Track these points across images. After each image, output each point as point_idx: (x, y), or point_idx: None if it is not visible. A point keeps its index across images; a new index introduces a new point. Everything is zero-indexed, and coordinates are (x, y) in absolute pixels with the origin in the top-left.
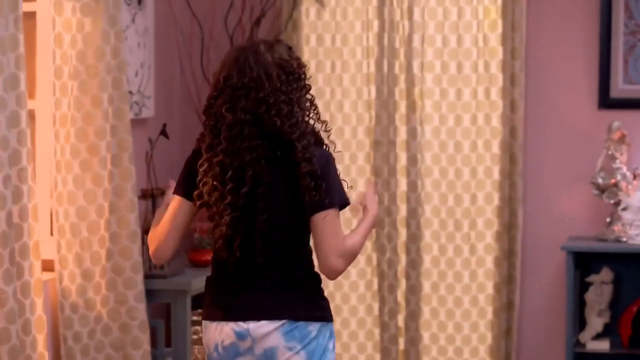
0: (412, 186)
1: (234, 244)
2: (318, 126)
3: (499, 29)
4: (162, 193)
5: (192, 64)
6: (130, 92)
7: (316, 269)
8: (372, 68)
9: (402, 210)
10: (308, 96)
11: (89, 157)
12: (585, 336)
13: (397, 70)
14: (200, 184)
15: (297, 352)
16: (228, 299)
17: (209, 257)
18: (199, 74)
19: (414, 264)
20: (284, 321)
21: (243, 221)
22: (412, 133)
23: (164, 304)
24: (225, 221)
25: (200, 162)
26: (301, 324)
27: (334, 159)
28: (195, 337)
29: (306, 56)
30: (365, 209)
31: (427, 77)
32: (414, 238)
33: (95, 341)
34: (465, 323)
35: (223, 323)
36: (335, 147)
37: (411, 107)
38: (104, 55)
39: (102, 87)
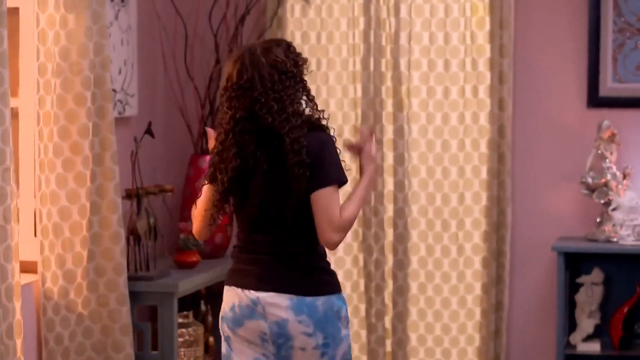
0: (399, 186)
1: (250, 222)
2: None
3: (487, 27)
4: (147, 193)
5: (175, 61)
6: (114, 90)
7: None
8: (358, 66)
9: (389, 210)
10: (305, 92)
11: (71, 156)
12: (576, 337)
13: (383, 68)
14: (217, 172)
15: (307, 325)
16: (245, 269)
17: (194, 258)
18: (182, 71)
19: (401, 265)
20: (290, 296)
21: (247, 204)
22: (398, 132)
23: (151, 307)
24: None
25: (216, 151)
26: (307, 299)
27: (332, 141)
28: (181, 339)
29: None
30: (362, 157)
31: (414, 75)
32: (401, 238)
33: (76, 344)
34: (453, 324)
35: (239, 290)
36: (335, 140)
37: (398, 105)
38: (87, 52)
39: (86, 85)
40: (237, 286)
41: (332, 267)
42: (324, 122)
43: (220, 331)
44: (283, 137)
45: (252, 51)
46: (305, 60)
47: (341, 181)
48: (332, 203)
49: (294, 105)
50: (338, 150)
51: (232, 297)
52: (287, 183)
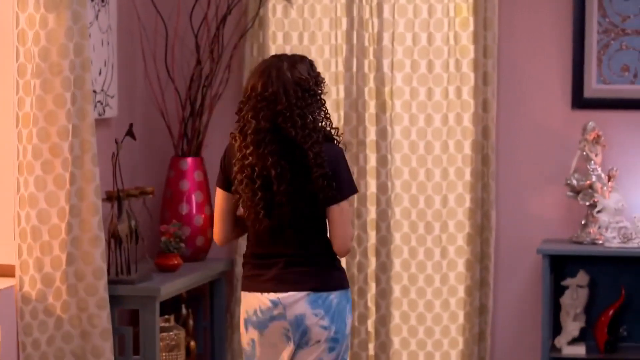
0: (382, 188)
1: (265, 230)
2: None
3: (471, 27)
4: (128, 195)
5: (156, 62)
6: (94, 92)
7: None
8: (341, 67)
9: (372, 212)
10: (323, 108)
11: (51, 158)
12: (561, 341)
13: (366, 69)
14: (235, 181)
15: (322, 317)
16: (262, 274)
17: (176, 261)
18: (163, 72)
19: (384, 268)
20: (308, 292)
21: (269, 212)
22: (381, 133)
23: (132, 310)
24: (258, 212)
25: (233, 160)
26: (323, 294)
27: (343, 153)
28: (163, 344)
29: (273, 54)
30: None
31: (397, 76)
32: (384, 241)
33: (54, 348)
34: (437, 327)
35: (258, 294)
36: (345, 148)
37: (381, 107)
38: (67, 53)
39: (65, 86)
40: (257, 291)
41: None
42: (336, 137)
43: (244, 333)
44: (305, 150)
45: (279, 66)
46: (323, 80)
47: (354, 193)
48: (349, 216)
49: (315, 121)
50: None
51: (254, 301)
52: (309, 192)
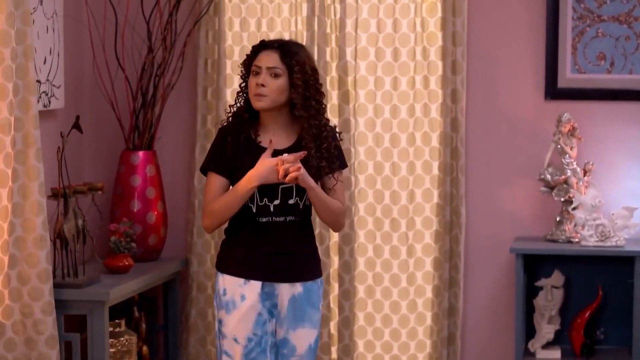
0: (345, 182)
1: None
2: None
3: (439, 13)
4: (75, 192)
5: (105, 50)
6: (38, 81)
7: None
8: None
9: None
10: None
11: None
12: (535, 344)
13: (328, 57)
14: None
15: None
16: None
17: (126, 262)
18: (112, 61)
19: (347, 267)
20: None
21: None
22: (344, 125)
23: (79, 316)
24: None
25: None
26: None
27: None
28: (113, 350)
29: (229, 42)
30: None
31: (360, 65)
32: (347, 239)
33: None
34: (403, 330)
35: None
36: None
37: (344, 97)
38: (9, 40)
39: (7, 76)
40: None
41: None
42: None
43: None
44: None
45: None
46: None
47: None
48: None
49: None
50: None
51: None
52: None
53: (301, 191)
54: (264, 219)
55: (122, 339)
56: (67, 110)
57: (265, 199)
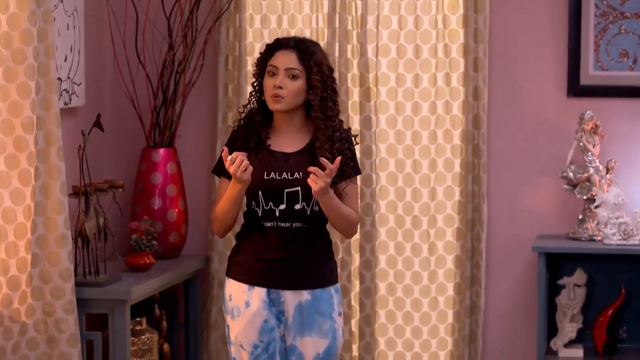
0: (366, 180)
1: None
2: None
3: (461, 10)
4: (96, 190)
5: (126, 47)
6: (59, 79)
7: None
8: None
9: None
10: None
11: (15, 152)
12: (557, 343)
13: (349, 54)
14: None
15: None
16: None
17: (147, 260)
18: (133, 58)
19: (368, 265)
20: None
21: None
22: (366, 122)
23: (101, 314)
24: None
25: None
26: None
27: None
28: (134, 348)
29: (250, 38)
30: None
31: (382, 62)
32: (368, 236)
33: (19, 356)
34: (425, 327)
35: (256, 287)
36: None
37: (365, 94)
38: (31, 39)
39: (29, 75)
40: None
41: None
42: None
43: None
44: None
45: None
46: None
47: None
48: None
49: None
50: None
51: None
52: None
53: (308, 196)
54: (269, 224)
55: (143, 337)
56: (87, 108)
57: (271, 203)
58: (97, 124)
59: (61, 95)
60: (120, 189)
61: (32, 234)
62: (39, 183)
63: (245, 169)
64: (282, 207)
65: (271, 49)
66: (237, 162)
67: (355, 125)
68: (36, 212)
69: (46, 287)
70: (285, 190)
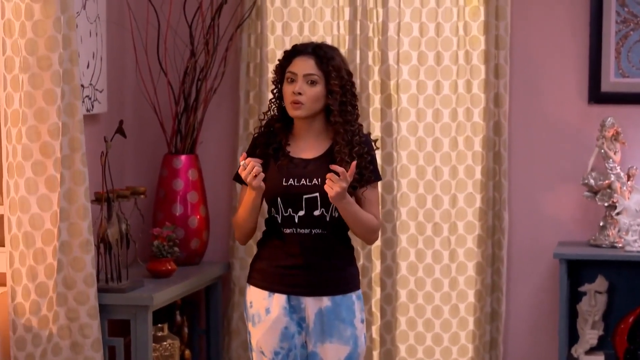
0: (387, 187)
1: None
2: None
3: (482, 17)
4: (118, 196)
5: (147, 54)
6: (82, 86)
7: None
8: None
9: None
10: None
11: (42, 158)
12: (578, 350)
13: (370, 61)
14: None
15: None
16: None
17: (169, 266)
18: (155, 65)
19: (389, 271)
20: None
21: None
22: (387, 129)
23: (122, 320)
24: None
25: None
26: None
27: None
28: (156, 354)
29: (271, 45)
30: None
31: (403, 69)
32: (389, 243)
33: None
34: (445, 334)
35: (276, 294)
36: None
37: (386, 101)
38: (56, 45)
39: (55, 81)
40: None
41: None
42: None
43: None
44: None
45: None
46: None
47: None
48: None
49: None
50: None
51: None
52: None
53: (327, 202)
54: (288, 230)
55: (164, 343)
56: (109, 115)
57: (290, 209)
58: (120, 131)
59: (83, 102)
60: (142, 196)
61: (57, 240)
62: (64, 189)
63: (256, 176)
64: (301, 213)
65: (289, 56)
66: (249, 169)
67: (376, 132)
68: (61, 218)
69: (70, 292)
70: (304, 197)
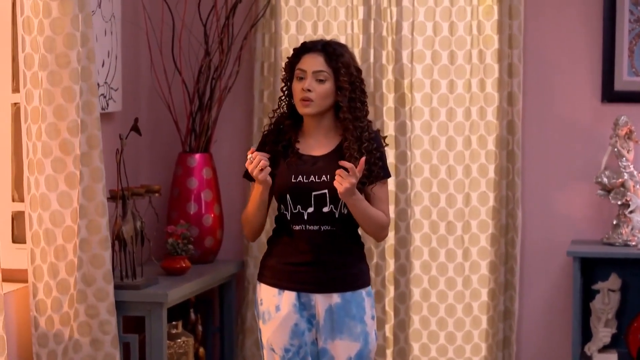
0: (401, 185)
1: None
2: None
3: (495, 16)
4: (133, 194)
5: (162, 53)
6: (97, 84)
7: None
8: (358, 58)
9: (390, 211)
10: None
11: (61, 155)
12: (591, 348)
13: (384, 60)
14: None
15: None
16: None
17: (184, 264)
18: (169, 64)
19: (402, 270)
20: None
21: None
22: (400, 128)
23: (137, 317)
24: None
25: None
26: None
27: None
28: (170, 351)
29: (285, 44)
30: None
31: (417, 68)
32: (403, 242)
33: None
34: (459, 333)
35: (286, 291)
36: None
37: (400, 100)
38: (74, 43)
39: (74, 78)
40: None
41: None
42: None
43: None
44: None
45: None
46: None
47: None
48: None
49: None
50: None
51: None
52: None
53: (336, 199)
54: (298, 227)
55: (179, 340)
56: (124, 113)
57: (299, 206)
58: (135, 128)
59: (99, 99)
60: (157, 194)
61: (76, 237)
62: (83, 186)
63: (263, 169)
64: (310, 210)
65: (298, 53)
66: (255, 162)
67: (390, 130)
68: (80, 215)
69: (89, 289)
70: (313, 193)
